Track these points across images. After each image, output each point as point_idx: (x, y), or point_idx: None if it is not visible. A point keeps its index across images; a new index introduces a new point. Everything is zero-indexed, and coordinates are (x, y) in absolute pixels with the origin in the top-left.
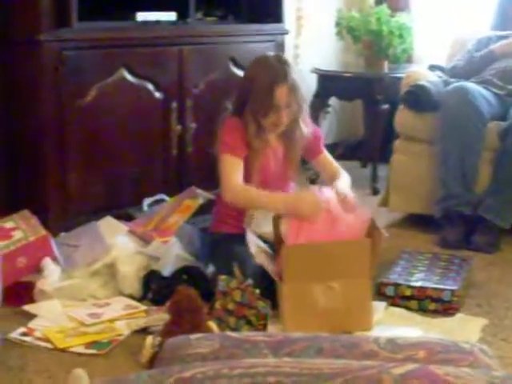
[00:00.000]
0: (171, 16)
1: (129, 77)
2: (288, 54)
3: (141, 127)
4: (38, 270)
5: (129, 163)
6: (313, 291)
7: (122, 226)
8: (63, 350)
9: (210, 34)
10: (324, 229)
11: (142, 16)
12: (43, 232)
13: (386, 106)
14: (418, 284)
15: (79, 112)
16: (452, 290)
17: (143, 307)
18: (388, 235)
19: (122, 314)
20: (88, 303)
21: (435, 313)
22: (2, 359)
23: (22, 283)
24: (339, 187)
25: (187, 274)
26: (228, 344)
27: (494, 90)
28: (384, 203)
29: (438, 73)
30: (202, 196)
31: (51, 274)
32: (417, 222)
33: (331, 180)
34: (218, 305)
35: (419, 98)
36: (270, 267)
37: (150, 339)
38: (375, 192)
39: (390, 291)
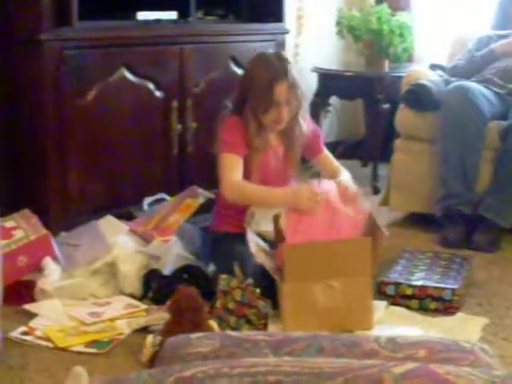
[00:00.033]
0: (172, 15)
1: (129, 76)
2: (288, 54)
3: (141, 126)
4: (38, 269)
5: (129, 162)
6: (313, 290)
7: (122, 226)
8: (64, 349)
9: (210, 33)
10: (323, 221)
11: (142, 15)
12: (44, 231)
13: (386, 105)
14: (419, 283)
15: (80, 111)
16: (453, 289)
17: (144, 306)
18: (389, 234)
19: (122, 313)
20: (88, 302)
21: (436, 312)
22: (2, 358)
23: (23, 282)
24: (342, 179)
25: (188, 273)
26: (228, 343)
27: (495, 89)
28: (385, 202)
29: (439, 72)
30: (202, 195)
31: (52, 273)
32: (417, 221)
33: (332, 178)
34: (218, 304)
35: (420, 97)
36: (270, 266)
37: (150, 338)
38: (376, 191)
39: (390, 290)
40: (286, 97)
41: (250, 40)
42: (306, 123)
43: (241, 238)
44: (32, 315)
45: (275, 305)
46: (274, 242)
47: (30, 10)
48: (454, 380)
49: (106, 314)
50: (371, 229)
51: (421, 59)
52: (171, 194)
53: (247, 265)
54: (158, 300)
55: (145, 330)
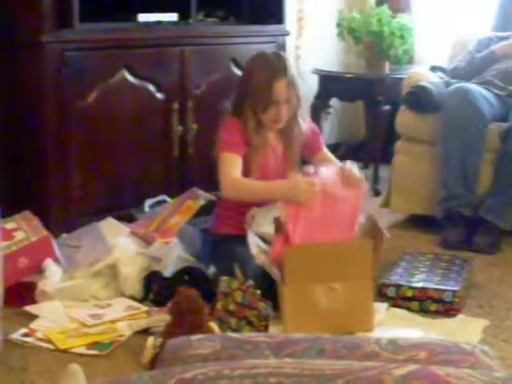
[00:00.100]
0: (172, 17)
1: (130, 78)
2: (289, 55)
3: (142, 128)
4: (39, 270)
5: (130, 164)
6: (314, 292)
7: (123, 227)
8: (65, 351)
9: (211, 35)
10: (322, 209)
11: (143, 17)
12: (45, 233)
13: (387, 107)
14: (420, 285)
15: (81, 113)
16: (453, 291)
17: (144, 308)
18: (389, 236)
19: (123, 315)
20: (89, 304)
21: (436, 314)
22: (3, 360)
23: (24, 284)
24: (347, 163)
25: (188, 275)
26: (229, 345)
27: (495, 90)
28: (385, 204)
29: (439, 74)
30: (203, 197)
31: (53, 275)
32: (418, 222)
33: None
34: (219, 306)
35: (420, 99)
36: (270, 268)
37: (151, 340)
38: (377, 193)
39: (391, 292)
40: (285, 95)
41: (251, 42)
42: (304, 122)
43: (241, 239)
44: (33, 317)
45: (276, 306)
46: (274, 232)
47: (32, 12)
48: (454, 382)
49: (106, 316)
50: (372, 231)
51: (421, 61)
52: (172, 195)
53: (248, 266)
54: (158, 302)
55: (146, 332)
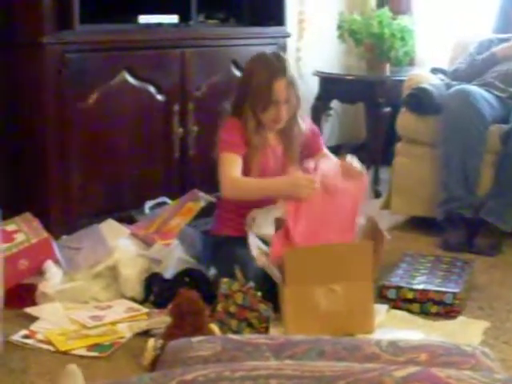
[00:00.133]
0: (173, 19)
1: (131, 79)
2: (290, 57)
3: (143, 130)
4: (39, 272)
5: (130, 166)
6: (315, 294)
7: (123, 229)
8: (65, 353)
9: (211, 37)
10: (323, 204)
11: (144, 19)
12: (45, 234)
13: (387, 109)
14: (420, 287)
15: (81, 114)
16: (454, 293)
17: (145, 310)
18: (390, 238)
19: (123, 317)
20: (90, 306)
21: (437, 315)
22: (3, 362)
23: (24, 285)
24: (348, 156)
25: (189, 277)
26: (230, 347)
27: (496, 92)
28: (386, 206)
29: (440, 76)
30: (203, 199)
31: (53, 277)
32: (419, 224)
33: None
34: (219, 307)
35: (421, 101)
36: (271, 269)
37: (151, 342)
38: (377, 195)
39: (391, 294)
40: (285, 95)
41: (252, 44)
42: (304, 122)
43: (242, 241)
44: (33, 318)
45: (276, 308)
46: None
47: (32, 14)
48: None
49: (107, 318)
50: (373, 232)
51: (422, 63)
52: (172, 197)
53: (248, 268)
54: (159, 303)
55: (146, 334)
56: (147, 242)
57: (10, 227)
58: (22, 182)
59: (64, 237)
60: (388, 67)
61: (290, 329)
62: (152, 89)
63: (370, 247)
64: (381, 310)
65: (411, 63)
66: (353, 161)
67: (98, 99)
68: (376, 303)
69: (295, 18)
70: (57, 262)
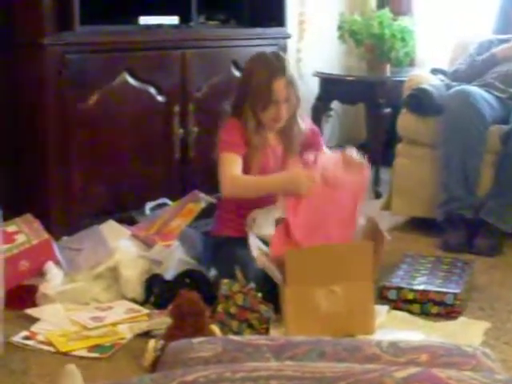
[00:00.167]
0: (173, 20)
1: (131, 80)
2: (290, 58)
3: (143, 131)
4: (40, 273)
5: (131, 167)
6: (315, 295)
7: (124, 230)
8: (66, 354)
9: (212, 38)
10: (323, 198)
11: (144, 20)
12: (46, 236)
13: (388, 110)
14: (421, 287)
15: (82, 115)
16: (454, 294)
17: (146, 311)
18: (390, 238)
19: (124, 318)
20: (91, 307)
21: (438, 316)
22: (4, 363)
23: (25, 287)
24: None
25: (189, 278)
26: (230, 348)
27: (496, 93)
28: (386, 207)
29: (440, 76)
30: (204, 200)
31: (54, 278)
32: (419, 225)
33: None
34: (220, 308)
35: (421, 102)
36: (272, 270)
37: (152, 343)
38: (378, 195)
39: (392, 295)
40: (285, 94)
41: (252, 44)
42: (304, 122)
43: (242, 242)
44: (34, 320)
45: (277, 309)
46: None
47: (32, 14)
48: None
49: (108, 319)
50: (373, 233)
51: (422, 64)
52: (173, 198)
53: (249, 269)
54: (159, 305)
55: (147, 335)
56: (148, 243)
57: (11, 228)
58: (23, 183)
59: (65, 238)
60: (388, 68)
61: (290, 330)
62: (152, 90)
63: (371, 248)
64: (381, 311)
65: (411, 64)
66: (353, 152)
67: (99, 100)
68: (376, 304)
69: (296, 19)
70: (57, 263)
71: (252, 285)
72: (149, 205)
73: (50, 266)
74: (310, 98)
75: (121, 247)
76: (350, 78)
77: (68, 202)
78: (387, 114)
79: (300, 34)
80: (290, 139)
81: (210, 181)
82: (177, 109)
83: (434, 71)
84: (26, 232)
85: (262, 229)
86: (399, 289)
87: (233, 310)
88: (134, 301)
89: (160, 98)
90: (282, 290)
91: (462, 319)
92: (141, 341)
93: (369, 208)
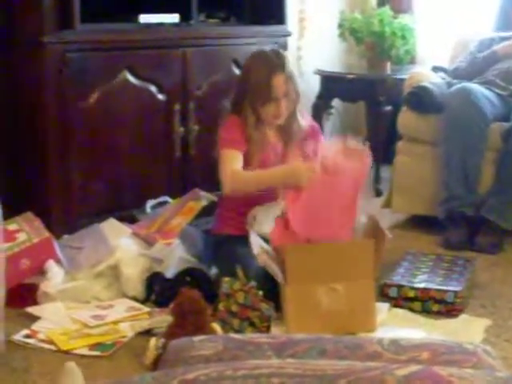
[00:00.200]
0: (174, 18)
1: (132, 79)
2: (291, 56)
3: (144, 129)
4: (41, 272)
5: (132, 165)
6: (316, 293)
7: (125, 228)
8: (67, 352)
9: (212, 36)
10: (323, 188)
11: (144, 18)
12: (46, 234)
13: (388, 108)
14: (422, 285)
15: (82, 114)
16: (455, 291)
17: (147, 309)
18: (391, 236)
19: (125, 316)
20: (91, 305)
21: (439, 314)
22: (5, 361)
23: (26, 285)
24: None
25: (190, 276)
26: (231, 346)
27: (497, 90)
28: (387, 204)
29: (441, 74)
30: (204, 198)
31: (55, 276)
32: (420, 223)
33: None
34: (221, 307)
35: (422, 100)
36: (273, 268)
37: (153, 341)
38: (378, 193)
39: (393, 292)
40: (284, 90)
41: (252, 42)
42: (303, 118)
43: (243, 240)
44: (35, 318)
45: (278, 307)
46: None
47: (33, 13)
48: (457, 382)
49: (109, 317)
50: (374, 231)
51: (423, 61)
52: (174, 196)
53: (250, 267)
54: (160, 303)
55: (148, 333)
56: (149, 242)
57: (12, 227)
58: (24, 181)
59: (65, 236)
60: (389, 66)
61: (291, 328)
62: (153, 88)
63: (372, 246)
64: (382, 309)
65: (412, 62)
66: (354, 141)
67: (99, 99)
68: (377, 302)
69: (296, 17)
70: (58, 261)
71: (253, 283)
72: (149, 203)
73: (51, 265)
74: (311, 96)
75: (121, 245)
76: (351, 76)
77: (69, 201)
78: (388, 112)
79: (300, 32)
80: (290, 136)
81: (210, 179)
82: (177, 107)
83: (435, 69)
84: (26, 230)
85: (263, 226)
86: (400, 286)
87: (234, 308)
88: (135, 299)
89: (160, 97)
90: (283, 288)
91: (463, 317)
92: (142, 339)
93: (369, 206)
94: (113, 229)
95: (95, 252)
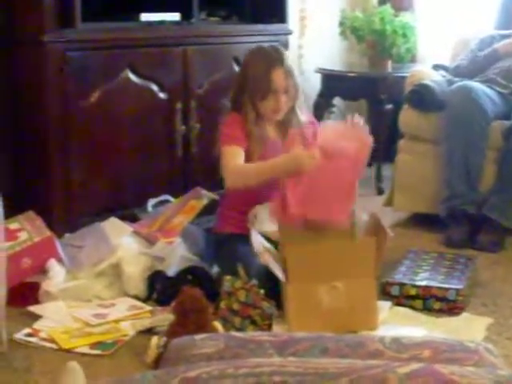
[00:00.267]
0: (175, 16)
1: (133, 77)
2: (292, 55)
3: (145, 128)
4: (43, 270)
5: (133, 164)
6: (317, 291)
7: (126, 227)
8: (68, 351)
9: (213, 35)
10: (322, 170)
11: (145, 16)
12: (48, 233)
13: (390, 106)
14: (423, 283)
15: (83, 113)
16: (457, 289)
17: (148, 308)
18: (393, 235)
19: (126, 315)
20: (93, 304)
21: (440, 312)
22: (7, 360)
23: (27, 284)
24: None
25: (192, 275)
26: (233, 344)
27: (498, 88)
28: (389, 203)
29: (442, 72)
30: (206, 196)
31: (56, 275)
32: (422, 221)
33: None
34: (222, 305)
35: (423, 98)
36: (274, 267)
37: (155, 340)
38: (380, 192)
39: (394, 291)
40: (284, 84)
41: (253, 41)
42: (303, 114)
43: (244, 238)
44: (36, 317)
45: (279, 305)
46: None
47: (34, 12)
48: (458, 380)
49: (110, 316)
50: (375, 229)
51: (424, 59)
52: (175, 195)
53: (251, 266)
54: (162, 301)
55: (149, 332)
56: (150, 240)
57: (13, 226)
58: (25, 181)
59: (67, 235)
60: (390, 64)
61: (292, 326)
62: (154, 87)
63: (373, 244)
64: (384, 307)
65: (413, 60)
66: (358, 120)
67: (100, 97)
68: (379, 300)
69: (297, 15)
70: (60, 260)
71: (254, 281)
72: (151, 202)
73: (53, 264)
74: (312, 94)
75: (123, 244)
76: (352, 75)
77: (70, 199)
78: (389, 110)
79: (301, 31)
80: (290, 131)
81: (212, 177)
82: (179, 105)
83: (436, 67)
84: (28, 229)
85: (264, 224)
86: (402, 285)
87: (235, 306)
88: (137, 298)
89: (162, 95)
90: (284, 286)
91: (464, 315)
92: (143, 338)
93: (371, 204)
94: (114, 227)
95: (97, 251)
